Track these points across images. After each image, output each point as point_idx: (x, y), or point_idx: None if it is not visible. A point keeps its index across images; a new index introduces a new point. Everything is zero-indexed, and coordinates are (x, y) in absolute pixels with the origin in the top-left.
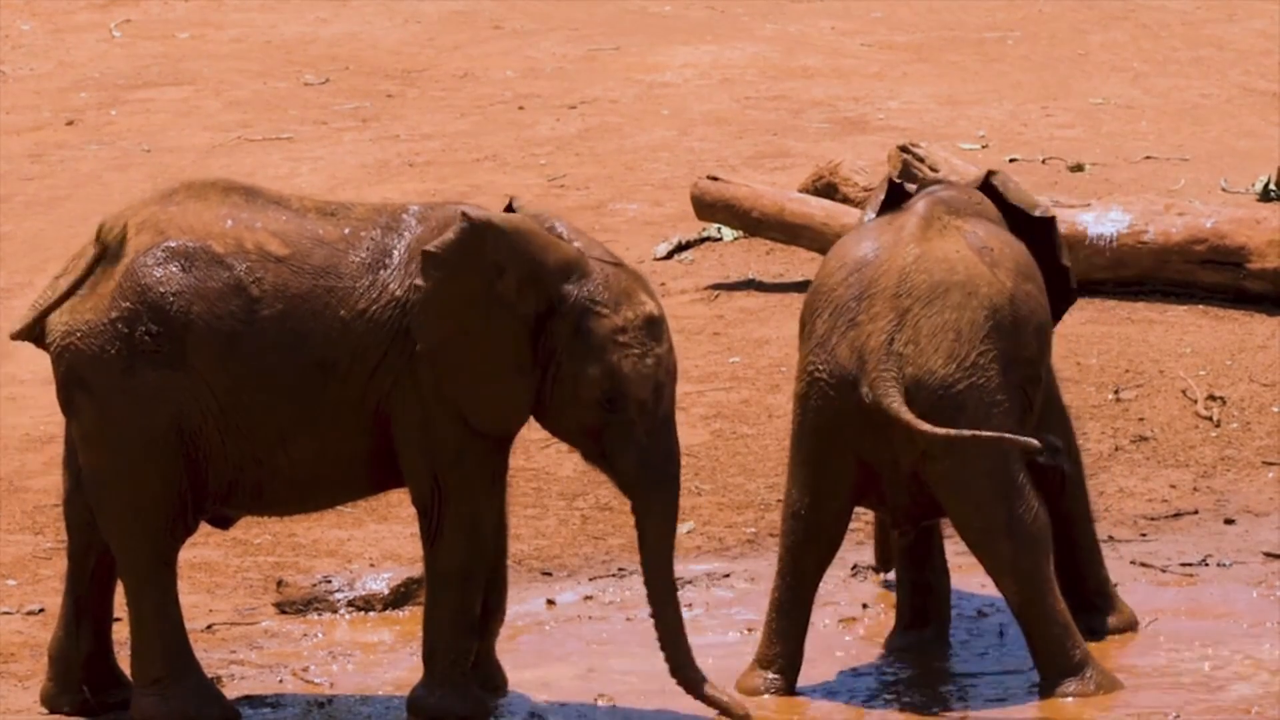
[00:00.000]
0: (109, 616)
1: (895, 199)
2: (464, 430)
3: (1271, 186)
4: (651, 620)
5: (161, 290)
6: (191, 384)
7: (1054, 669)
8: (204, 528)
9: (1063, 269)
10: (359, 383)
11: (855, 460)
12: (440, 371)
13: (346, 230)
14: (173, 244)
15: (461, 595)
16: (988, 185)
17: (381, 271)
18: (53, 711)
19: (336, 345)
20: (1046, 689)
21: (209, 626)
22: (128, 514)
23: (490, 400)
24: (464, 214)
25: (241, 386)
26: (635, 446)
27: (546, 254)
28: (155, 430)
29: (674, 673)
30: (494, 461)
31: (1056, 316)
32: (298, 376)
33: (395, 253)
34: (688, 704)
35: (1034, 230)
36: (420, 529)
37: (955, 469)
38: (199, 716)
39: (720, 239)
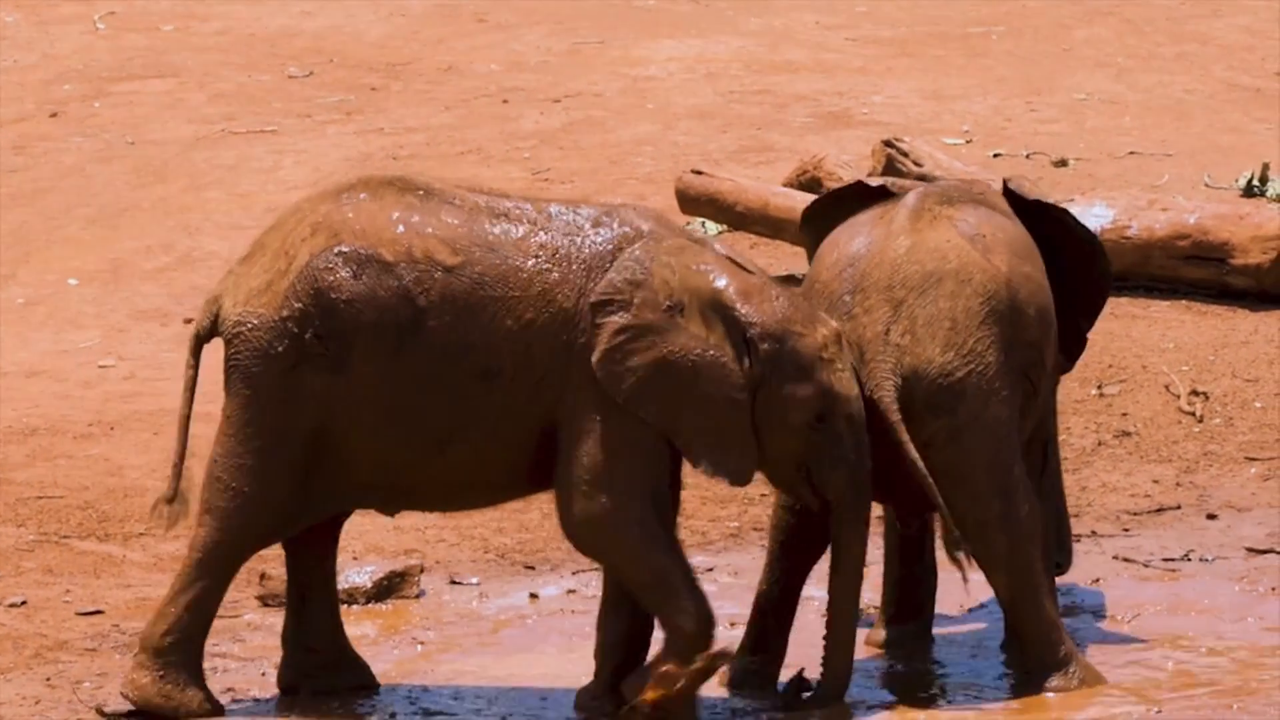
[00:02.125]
0: (334, 597)
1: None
2: (623, 447)
3: (1255, 182)
4: (827, 635)
5: (333, 296)
6: (350, 388)
7: (1040, 664)
8: (187, 520)
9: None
10: (524, 392)
11: None
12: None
13: (518, 235)
14: (345, 249)
15: (668, 600)
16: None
17: (550, 280)
18: (287, 693)
19: (502, 354)
20: (1031, 684)
21: None
22: (228, 500)
23: (718, 442)
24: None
25: (404, 392)
26: (845, 463)
27: (724, 282)
28: (294, 431)
29: (822, 697)
30: (658, 473)
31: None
32: (461, 384)
33: (565, 261)
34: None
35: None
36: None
37: (954, 460)
38: (164, 706)
39: (704, 233)
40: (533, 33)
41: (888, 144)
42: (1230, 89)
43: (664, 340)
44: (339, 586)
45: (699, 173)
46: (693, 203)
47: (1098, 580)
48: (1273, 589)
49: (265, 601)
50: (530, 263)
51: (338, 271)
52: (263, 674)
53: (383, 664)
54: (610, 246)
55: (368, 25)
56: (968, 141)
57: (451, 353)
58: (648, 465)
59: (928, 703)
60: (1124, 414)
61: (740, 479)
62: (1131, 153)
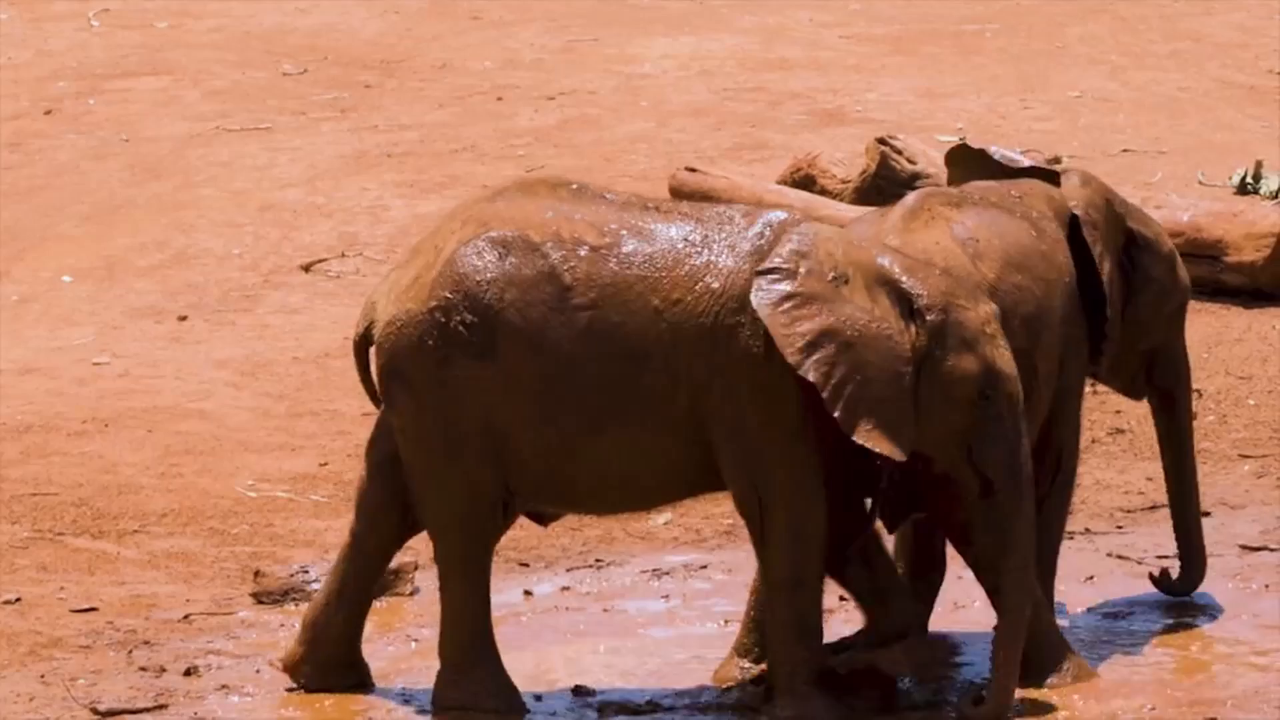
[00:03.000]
0: (367, 602)
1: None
2: (780, 437)
3: (1249, 180)
4: (997, 627)
5: (477, 279)
6: (502, 375)
7: (1031, 663)
8: (181, 517)
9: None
10: (670, 377)
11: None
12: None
13: (666, 223)
14: (493, 234)
15: (792, 604)
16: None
17: (697, 262)
18: (290, 675)
19: (647, 337)
20: (1025, 681)
21: (186, 616)
22: (441, 506)
23: (879, 414)
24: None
25: (551, 376)
26: (1006, 442)
27: (888, 258)
28: (465, 424)
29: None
30: (814, 467)
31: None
32: (607, 367)
33: (714, 245)
34: (663, 694)
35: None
36: (750, 535)
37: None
38: (483, 706)
39: None
40: (527, 30)
41: (881, 142)
42: (1224, 87)
43: (829, 309)
44: None
45: (692, 170)
46: (686, 200)
47: (1091, 578)
48: (1266, 586)
49: (259, 599)
50: (679, 246)
51: (484, 255)
52: (257, 671)
53: (378, 661)
54: (757, 231)
55: (362, 23)
56: (962, 139)
57: (598, 333)
58: (803, 452)
59: (917, 701)
60: (1118, 411)
61: (897, 452)
62: (1125, 150)
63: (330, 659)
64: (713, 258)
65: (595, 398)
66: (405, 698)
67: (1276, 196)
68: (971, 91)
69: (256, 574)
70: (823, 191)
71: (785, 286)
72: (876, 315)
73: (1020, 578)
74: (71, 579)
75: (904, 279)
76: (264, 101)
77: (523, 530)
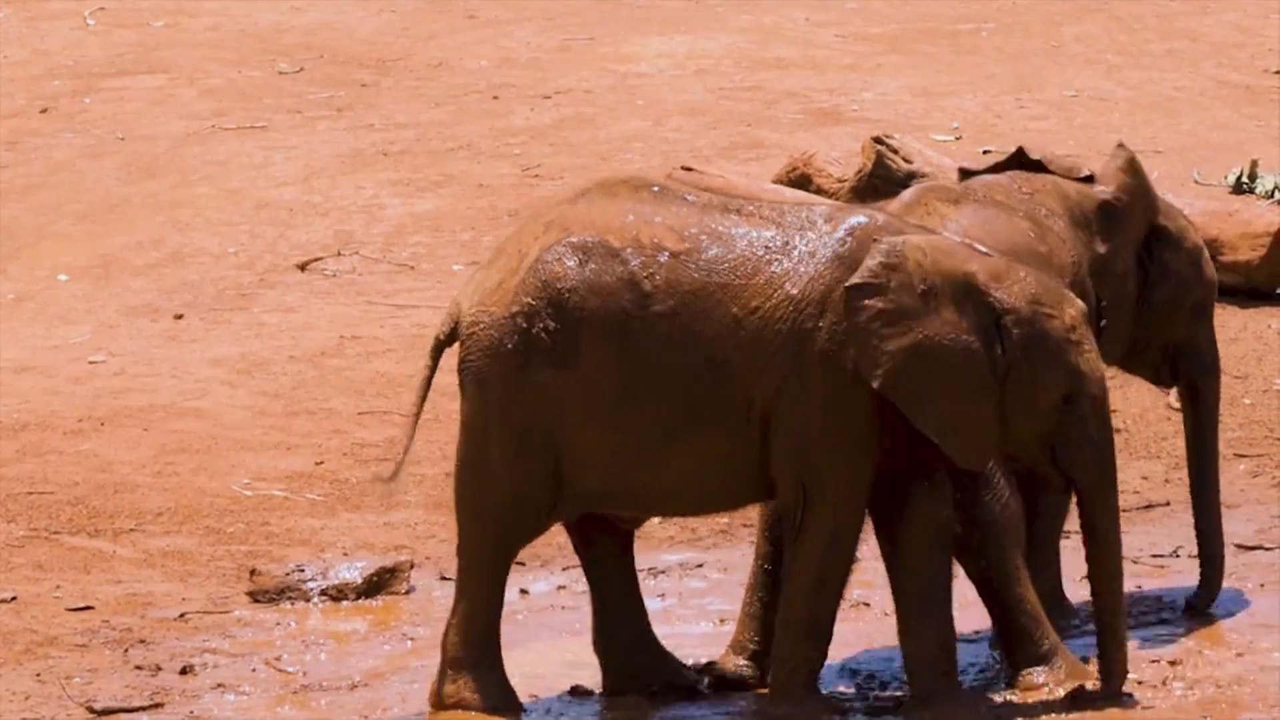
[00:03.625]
0: (638, 600)
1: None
2: (841, 443)
3: (1244, 179)
4: (1095, 621)
5: (559, 286)
6: (580, 382)
7: (1023, 658)
8: (176, 516)
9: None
10: (746, 382)
11: None
12: (904, 406)
13: (746, 227)
14: (574, 239)
15: (810, 604)
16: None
17: (777, 269)
18: (614, 694)
19: (727, 343)
20: (1016, 678)
21: (182, 615)
22: (483, 503)
23: (965, 428)
24: (877, 237)
25: (631, 383)
26: (1091, 443)
27: (975, 266)
28: (529, 428)
29: (1105, 687)
30: (866, 476)
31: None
32: (687, 373)
33: (795, 251)
34: (661, 694)
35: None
36: (785, 532)
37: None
38: (480, 705)
39: None
40: (523, 29)
41: (877, 141)
42: (1219, 86)
43: (919, 325)
44: (329, 582)
45: (689, 169)
46: None
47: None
48: (1261, 585)
49: (255, 597)
50: (759, 252)
51: (565, 261)
52: (253, 670)
53: (373, 660)
54: (840, 236)
55: (358, 21)
56: (957, 138)
57: (677, 340)
58: (859, 460)
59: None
60: (1113, 410)
61: (979, 464)
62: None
63: (637, 665)
64: (793, 264)
65: (674, 405)
66: (402, 696)
67: (1272, 196)
68: (967, 91)
69: (252, 573)
70: (819, 190)
71: (877, 303)
72: (964, 329)
73: (1115, 580)
74: (67, 577)
75: (991, 290)
76: (260, 100)
77: None
